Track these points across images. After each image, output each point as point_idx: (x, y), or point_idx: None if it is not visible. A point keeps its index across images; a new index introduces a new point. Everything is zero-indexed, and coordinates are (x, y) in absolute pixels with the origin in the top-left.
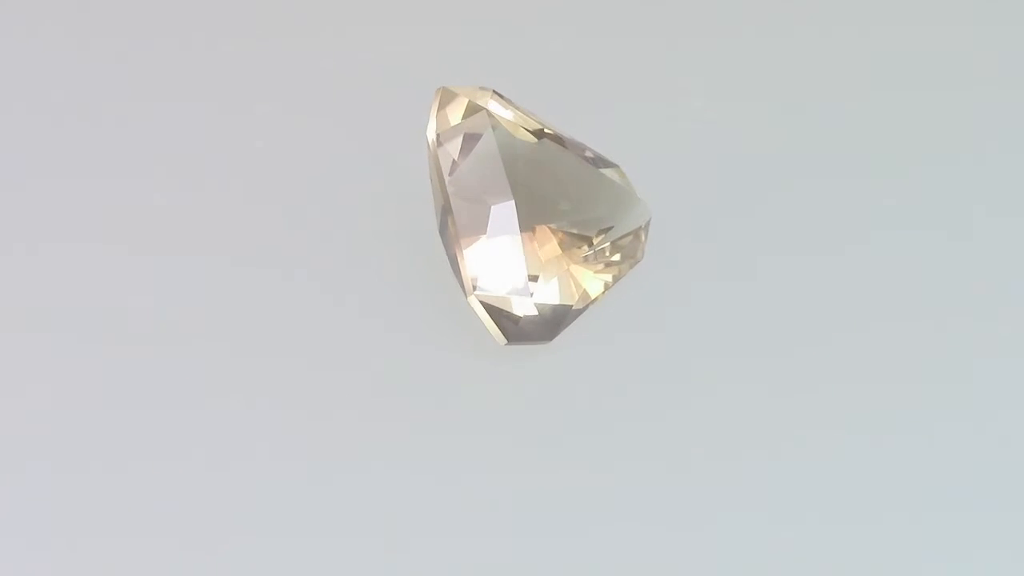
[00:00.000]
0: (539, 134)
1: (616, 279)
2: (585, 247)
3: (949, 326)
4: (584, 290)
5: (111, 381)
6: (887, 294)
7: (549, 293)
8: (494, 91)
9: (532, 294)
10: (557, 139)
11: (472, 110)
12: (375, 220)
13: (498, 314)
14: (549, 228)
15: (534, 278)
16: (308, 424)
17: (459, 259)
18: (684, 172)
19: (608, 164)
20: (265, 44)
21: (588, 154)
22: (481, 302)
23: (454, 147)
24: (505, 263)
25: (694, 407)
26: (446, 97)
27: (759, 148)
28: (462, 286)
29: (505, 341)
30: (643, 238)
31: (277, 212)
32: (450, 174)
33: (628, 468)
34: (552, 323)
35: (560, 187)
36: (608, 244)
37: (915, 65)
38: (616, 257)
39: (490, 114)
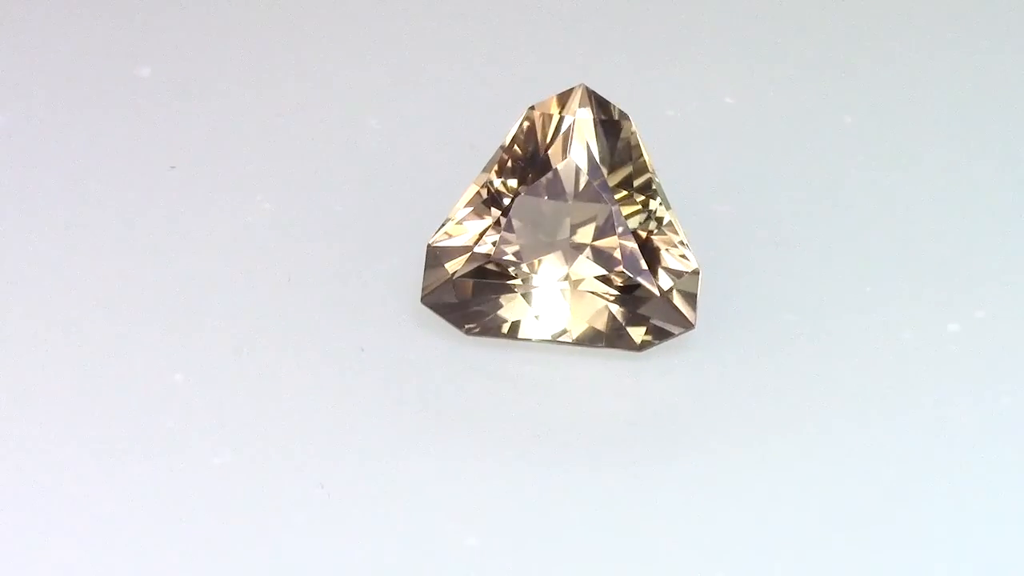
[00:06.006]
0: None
1: (581, 344)
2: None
3: None
4: (528, 320)
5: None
6: None
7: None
8: (623, 114)
9: (463, 273)
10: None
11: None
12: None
13: (432, 271)
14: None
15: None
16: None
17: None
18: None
19: (675, 259)
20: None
21: (661, 238)
22: (429, 253)
23: (537, 128)
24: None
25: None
26: (583, 97)
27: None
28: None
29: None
30: (646, 336)
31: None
32: (508, 147)
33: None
34: (459, 309)
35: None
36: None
37: None
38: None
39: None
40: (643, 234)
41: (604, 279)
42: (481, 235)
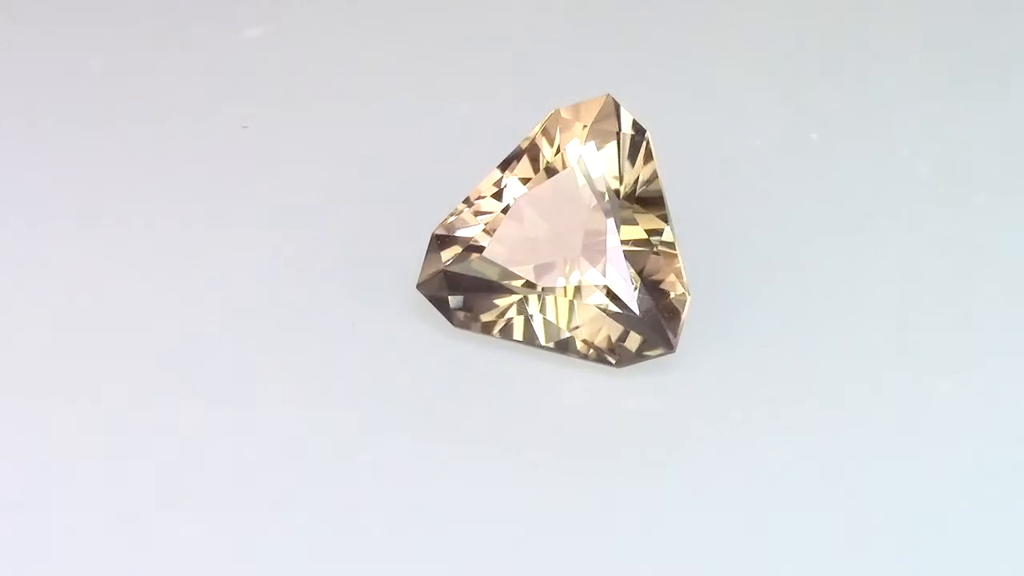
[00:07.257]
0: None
1: (562, 351)
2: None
3: None
4: (514, 318)
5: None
6: None
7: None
8: (643, 129)
9: (451, 262)
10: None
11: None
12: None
13: (431, 259)
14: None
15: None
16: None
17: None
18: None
19: (667, 281)
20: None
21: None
22: (431, 242)
23: (557, 131)
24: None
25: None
26: (607, 107)
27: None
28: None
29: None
30: (623, 352)
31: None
32: (527, 146)
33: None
34: (456, 304)
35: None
36: (569, 314)
37: None
38: (583, 334)
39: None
40: (642, 252)
41: (592, 291)
42: (483, 231)
